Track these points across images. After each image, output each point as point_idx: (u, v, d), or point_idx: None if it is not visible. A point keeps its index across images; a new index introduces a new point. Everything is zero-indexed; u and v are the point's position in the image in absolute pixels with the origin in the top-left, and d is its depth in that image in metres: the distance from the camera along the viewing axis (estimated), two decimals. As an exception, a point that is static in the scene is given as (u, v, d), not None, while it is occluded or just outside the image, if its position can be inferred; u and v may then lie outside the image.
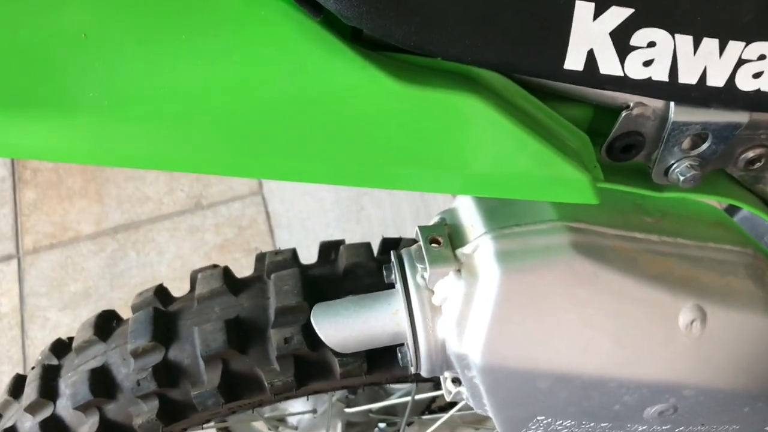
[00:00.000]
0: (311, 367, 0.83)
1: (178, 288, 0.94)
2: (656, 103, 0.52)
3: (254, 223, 2.12)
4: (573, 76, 0.48)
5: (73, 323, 1.95)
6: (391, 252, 0.67)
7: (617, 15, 0.44)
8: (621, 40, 0.46)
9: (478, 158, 0.51)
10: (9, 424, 0.87)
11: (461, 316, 0.59)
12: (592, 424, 0.68)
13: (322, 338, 0.66)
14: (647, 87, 0.49)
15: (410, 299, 0.63)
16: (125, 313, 0.90)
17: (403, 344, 0.67)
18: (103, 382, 0.83)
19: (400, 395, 1.24)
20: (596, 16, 0.44)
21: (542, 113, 0.52)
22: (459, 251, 0.61)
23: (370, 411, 1.23)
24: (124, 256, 2.08)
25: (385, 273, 0.67)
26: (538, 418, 0.66)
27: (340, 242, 0.93)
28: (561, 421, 0.67)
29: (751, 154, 0.56)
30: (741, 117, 0.52)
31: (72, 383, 0.84)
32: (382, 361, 0.83)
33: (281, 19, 0.43)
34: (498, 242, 0.58)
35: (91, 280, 2.05)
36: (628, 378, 0.61)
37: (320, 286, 0.86)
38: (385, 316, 0.66)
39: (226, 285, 0.86)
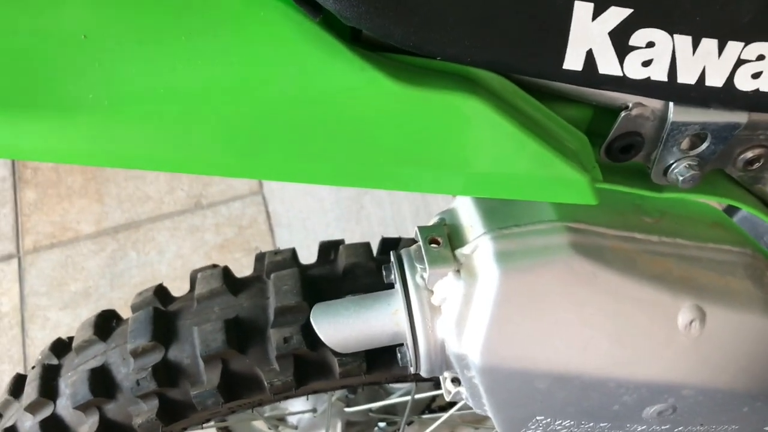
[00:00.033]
0: (310, 366, 0.83)
1: (179, 288, 0.94)
2: (655, 104, 0.52)
3: (254, 222, 2.12)
4: (572, 77, 0.48)
5: (74, 323, 1.95)
6: (391, 252, 0.67)
7: (616, 15, 0.44)
8: (620, 40, 0.46)
9: (477, 159, 0.51)
10: (9, 423, 0.87)
11: (460, 316, 0.59)
12: (592, 424, 0.68)
13: (322, 338, 0.66)
14: (646, 87, 0.49)
15: (410, 299, 0.63)
16: (125, 312, 0.90)
17: (402, 344, 0.67)
18: (102, 382, 0.83)
19: (399, 395, 1.24)
20: (595, 16, 0.44)
21: (541, 114, 0.52)
22: (458, 251, 0.61)
23: (369, 410, 1.23)
24: (125, 256, 2.08)
25: (384, 273, 0.67)
26: (538, 418, 0.67)
27: (340, 242, 0.93)
28: (560, 421, 0.67)
29: (750, 154, 0.57)
30: (740, 117, 0.52)
31: (72, 383, 0.84)
32: (381, 361, 0.84)
33: (280, 19, 0.43)
34: (497, 242, 0.58)
35: (92, 279, 2.05)
36: (627, 378, 0.62)
37: (319, 285, 0.86)
38: (385, 316, 0.66)
39: (225, 285, 0.86)
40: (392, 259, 0.66)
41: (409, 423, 1.32)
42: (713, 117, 0.52)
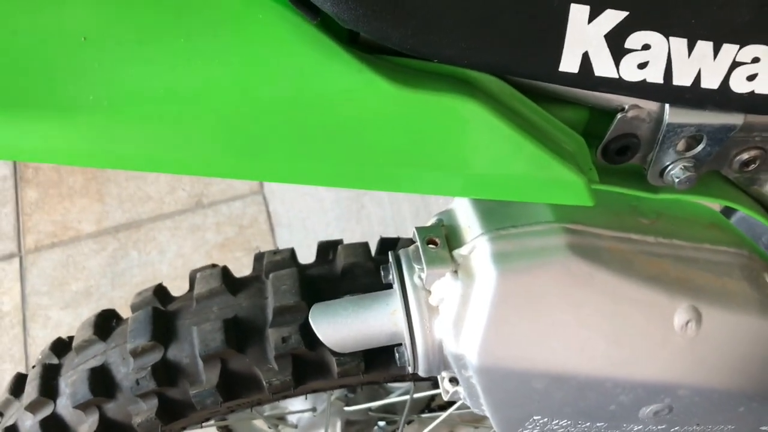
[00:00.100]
0: (309, 366, 0.83)
1: (179, 287, 0.94)
2: (651, 106, 0.52)
3: (255, 222, 2.12)
4: (568, 78, 0.48)
5: (75, 322, 1.96)
6: (389, 252, 0.67)
7: (612, 18, 0.45)
8: (616, 43, 0.46)
9: (474, 160, 0.51)
10: (10, 422, 0.87)
11: (458, 316, 0.60)
12: (588, 424, 0.68)
13: (320, 338, 0.66)
14: (642, 89, 0.49)
15: (407, 299, 0.63)
16: (126, 312, 0.91)
17: (400, 344, 0.67)
18: (102, 381, 0.83)
19: (399, 394, 1.24)
20: (591, 19, 0.45)
21: (538, 116, 0.53)
22: (456, 252, 0.61)
23: (369, 409, 1.23)
24: (126, 255, 2.09)
25: (382, 273, 0.67)
26: (535, 417, 0.67)
27: (338, 242, 0.93)
28: (557, 421, 0.67)
29: (745, 156, 0.57)
30: (735, 119, 0.52)
31: (72, 382, 0.84)
32: (379, 361, 0.84)
33: (278, 21, 0.44)
34: (494, 243, 0.59)
35: (93, 279, 2.05)
36: (624, 378, 0.62)
37: (318, 285, 0.86)
38: (383, 316, 0.66)
39: (224, 285, 0.86)
40: (390, 259, 0.66)
41: (409, 422, 1.32)
42: (709, 119, 0.52)
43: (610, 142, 0.54)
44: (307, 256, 0.95)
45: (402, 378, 0.89)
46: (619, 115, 0.52)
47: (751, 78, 0.49)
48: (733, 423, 0.69)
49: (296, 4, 0.43)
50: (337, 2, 0.42)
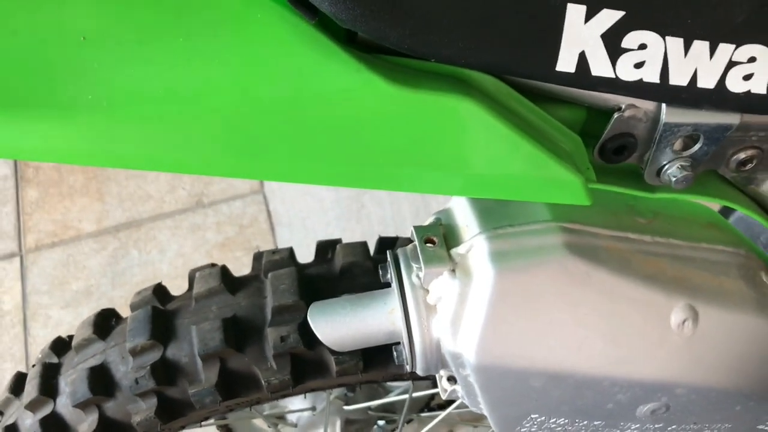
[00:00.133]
0: (308, 365, 0.83)
1: (180, 286, 0.94)
2: (648, 105, 0.52)
3: (255, 221, 2.12)
4: (565, 78, 0.48)
5: (75, 321, 1.96)
6: (387, 251, 0.67)
7: (608, 18, 0.45)
8: (612, 43, 0.46)
9: (471, 160, 0.51)
10: (10, 421, 0.87)
11: (456, 315, 0.60)
12: (586, 423, 0.68)
13: (319, 336, 0.67)
14: (638, 88, 0.49)
15: (405, 298, 0.63)
16: (127, 311, 0.91)
17: (398, 343, 0.68)
18: (102, 380, 0.83)
19: (398, 393, 1.25)
20: (588, 18, 0.45)
21: (535, 115, 0.53)
22: (453, 251, 0.61)
23: (369, 408, 1.23)
24: (126, 255, 2.09)
25: (380, 272, 0.68)
26: (532, 416, 0.67)
27: (337, 241, 0.94)
28: (555, 420, 0.67)
29: (742, 155, 0.57)
30: (732, 118, 0.53)
31: (71, 381, 0.84)
32: (377, 360, 0.84)
33: (277, 21, 0.44)
34: (492, 242, 0.59)
35: (93, 278, 2.06)
36: (621, 377, 0.62)
37: (317, 285, 0.86)
38: (381, 315, 0.66)
39: (223, 284, 0.86)
40: (388, 258, 0.66)
41: (408, 421, 1.32)
42: (705, 118, 0.52)
43: (607, 141, 0.54)
44: (307, 255, 0.95)
45: (401, 377, 0.89)
46: (615, 115, 0.52)
47: (747, 78, 0.49)
48: (730, 421, 0.69)
49: (294, 3, 0.43)
50: (335, 2, 0.42)
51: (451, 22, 0.44)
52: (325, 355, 0.83)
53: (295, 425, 1.26)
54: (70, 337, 0.93)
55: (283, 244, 2.04)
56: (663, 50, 0.47)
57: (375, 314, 0.66)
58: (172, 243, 2.10)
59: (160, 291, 0.92)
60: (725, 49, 0.47)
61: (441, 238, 0.62)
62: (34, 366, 0.92)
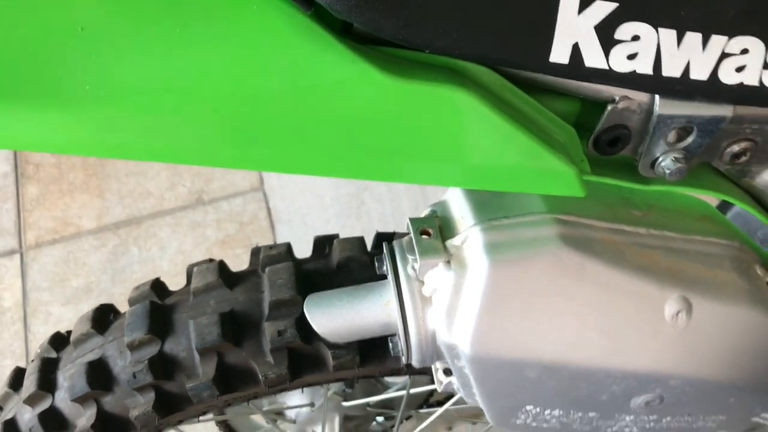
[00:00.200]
0: (305, 359, 0.83)
1: (179, 283, 0.94)
2: (641, 97, 0.52)
3: (255, 218, 2.13)
4: (559, 69, 0.48)
5: (75, 318, 1.95)
6: (383, 244, 0.68)
7: (602, 9, 0.45)
8: (605, 34, 0.46)
9: (466, 151, 0.51)
10: (9, 416, 0.87)
11: (450, 306, 0.60)
12: (581, 414, 0.68)
13: (315, 328, 0.67)
14: (632, 80, 0.49)
15: (401, 290, 0.63)
16: (126, 308, 0.91)
17: (394, 334, 0.68)
18: (100, 375, 0.83)
19: (397, 389, 1.25)
20: (581, 9, 0.45)
21: (529, 107, 0.53)
22: (449, 242, 0.61)
23: (367, 405, 1.23)
24: (126, 252, 2.09)
25: (377, 264, 0.68)
26: (527, 407, 0.67)
27: (334, 236, 0.94)
28: (550, 411, 0.68)
29: (736, 147, 0.57)
30: (725, 110, 0.53)
31: (70, 376, 0.84)
32: (374, 354, 0.84)
33: (273, 12, 0.44)
34: (487, 234, 0.59)
35: (93, 275, 2.06)
36: (615, 368, 0.62)
37: (314, 279, 0.86)
38: (377, 307, 0.66)
39: (221, 279, 0.86)
40: (384, 250, 0.66)
41: (407, 418, 1.33)
42: (699, 110, 0.52)
43: (601, 133, 0.55)
44: (307, 252, 0.95)
45: (398, 372, 0.89)
46: (609, 107, 0.53)
47: (739, 69, 0.49)
48: (724, 413, 0.69)
49: (290, -6, 0.44)
50: (330, -7, 0.43)
51: (445, 12, 0.45)
52: (322, 350, 0.83)
53: (294, 421, 1.26)
54: (69, 332, 0.94)
55: (282, 241, 2.04)
56: (656, 42, 0.47)
57: (371, 306, 0.67)
58: (172, 240, 2.10)
59: (158, 286, 0.92)
60: (718, 41, 0.47)
61: (436, 229, 0.62)
62: (32, 361, 0.92)
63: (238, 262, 0.90)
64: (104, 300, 1.85)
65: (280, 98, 0.47)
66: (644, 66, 0.48)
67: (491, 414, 0.68)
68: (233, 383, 0.83)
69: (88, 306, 1.96)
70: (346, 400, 1.21)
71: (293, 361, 0.82)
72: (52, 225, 2.14)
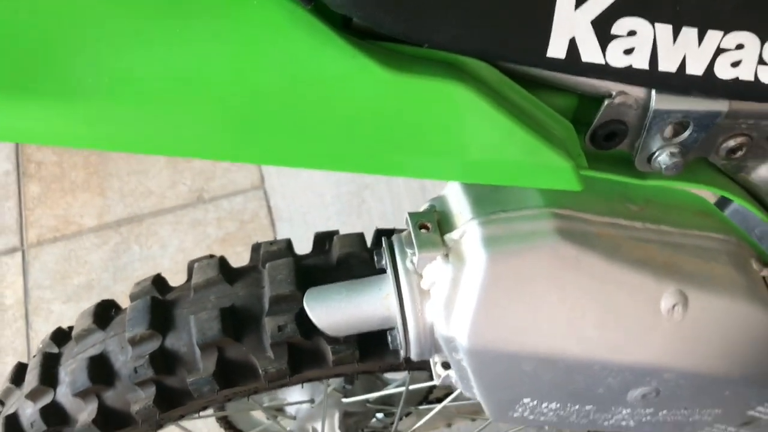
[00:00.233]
0: (305, 354, 0.83)
1: (180, 281, 0.95)
2: (638, 92, 0.53)
3: (256, 217, 2.13)
4: (556, 64, 0.49)
5: (77, 315, 1.96)
6: (382, 238, 0.68)
7: (599, 4, 0.45)
8: (602, 29, 0.47)
9: (464, 145, 0.51)
10: (11, 410, 0.87)
11: (449, 299, 0.60)
12: (577, 407, 0.68)
13: (314, 321, 0.67)
14: (628, 75, 0.50)
15: (400, 283, 0.64)
16: (127, 305, 0.91)
17: (393, 328, 0.68)
18: (101, 370, 0.84)
19: (396, 385, 1.25)
20: (578, 4, 0.45)
21: (527, 101, 0.53)
22: (447, 236, 0.61)
23: (367, 401, 1.24)
24: (127, 249, 2.10)
25: (376, 258, 0.68)
26: (524, 400, 0.67)
27: (334, 233, 0.94)
28: (547, 404, 0.68)
29: (732, 143, 0.57)
30: (721, 105, 0.53)
31: (71, 371, 0.85)
32: (374, 349, 0.84)
33: (273, 6, 0.44)
34: (485, 228, 0.59)
35: (95, 272, 2.06)
36: (611, 361, 0.62)
37: (314, 275, 0.86)
38: (376, 301, 0.67)
39: (221, 274, 0.87)
40: (383, 244, 0.67)
41: (407, 414, 1.33)
42: (695, 105, 0.53)
43: (598, 128, 0.55)
44: (307, 250, 0.95)
45: (397, 367, 0.90)
46: (606, 102, 0.53)
47: (735, 64, 0.49)
48: (719, 406, 0.69)
49: (290, -12, 0.44)
50: (330, -12, 0.43)
51: (444, 7, 0.45)
52: (321, 345, 0.83)
53: (294, 417, 1.26)
54: (71, 327, 0.94)
55: (283, 240, 2.04)
56: (652, 37, 0.47)
57: (370, 299, 0.67)
58: (173, 238, 2.10)
59: (159, 282, 0.93)
60: (713, 36, 0.48)
61: (435, 223, 0.62)
62: (34, 356, 0.92)
63: (239, 260, 0.91)
64: (105, 297, 1.85)
65: (280, 92, 0.47)
66: (640, 61, 0.49)
67: (489, 407, 0.69)
68: (234, 378, 0.83)
69: (89, 304, 1.96)
70: (345, 396, 1.21)
71: (293, 356, 0.82)
72: (54, 223, 2.15)
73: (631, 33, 0.47)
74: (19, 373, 0.92)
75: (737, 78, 0.50)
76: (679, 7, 0.46)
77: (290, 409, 1.27)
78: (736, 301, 0.62)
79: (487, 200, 0.61)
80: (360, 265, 0.87)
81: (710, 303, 0.61)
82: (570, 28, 0.46)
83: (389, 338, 0.69)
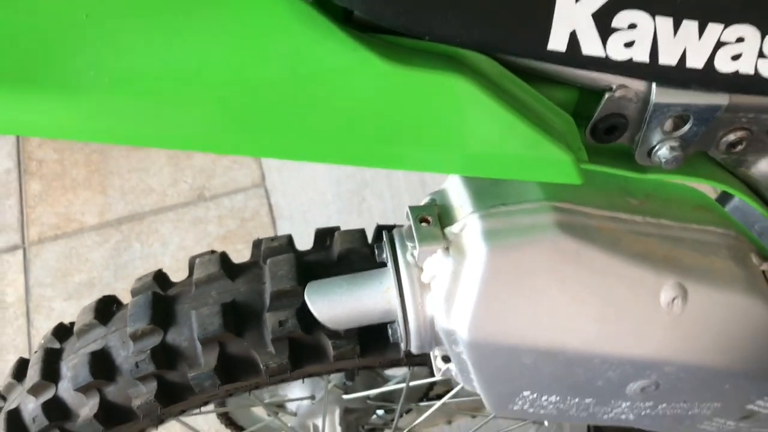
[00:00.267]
0: (305, 349, 0.83)
1: (181, 279, 0.95)
2: (638, 85, 0.53)
3: (257, 215, 2.13)
4: (556, 57, 0.49)
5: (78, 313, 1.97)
6: (383, 232, 0.68)
7: None
8: (603, 22, 0.47)
9: (465, 138, 0.51)
10: (13, 405, 0.88)
11: (449, 292, 0.60)
12: (577, 400, 0.68)
13: (315, 315, 0.67)
14: (629, 68, 0.50)
15: (400, 277, 0.64)
16: (128, 301, 0.91)
17: (394, 321, 0.68)
18: (103, 365, 0.84)
19: (396, 382, 1.25)
20: None
21: (528, 95, 0.53)
22: (447, 230, 0.61)
23: (367, 398, 1.24)
24: (128, 247, 2.10)
25: (376, 252, 0.68)
26: (524, 393, 0.67)
27: (335, 229, 0.94)
28: (546, 397, 0.68)
29: (732, 137, 0.57)
30: (721, 99, 0.53)
31: (73, 366, 0.85)
32: (374, 344, 0.84)
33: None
34: (485, 221, 0.59)
35: (96, 270, 2.07)
36: (611, 354, 0.62)
37: (314, 271, 0.86)
38: (377, 294, 0.67)
39: (223, 270, 0.87)
40: (384, 238, 0.67)
41: (407, 410, 1.33)
42: (695, 99, 0.53)
43: (598, 121, 0.55)
44: (308, 247, 0.95)
45: (398, 362, 0.90)
46: (606, 95, 0.53)
47: (735, 58, 0.49)
48: (719, 400, 0.69)
49: (291, -18, 0.44)
50: (331, -19, 0.43)
51: (445, 0, 0.45)
52: (322, 340, 0.83)
53: (295, 414, 1.26)
54: (72, 323, 0.94)
55: (284, 238, 2.04)
56: (652, 30, 0.47)
57: (371, 293, 0.67)
58: (174, 236, 2.11)
59: (160, 277, 0.93)
60: (714, 29, 0.48)
61: (435, 217, 0.62)
62: (36, 352, 0.92)
63: (240, 258, 0.91)
64: (106, 295, 1.85)
65: (281, 85, 0.47)
66: (641, 54, 0.49)
67: (489, 400, 0.69)
68: (235, 373, 0.83)
69: (91, 301, 1.97)
70: (346, 392, 1.21)
71: (294, 351, 0.82)
72: (55, 221, 2.15)
73: (632, 26, 0.47)
74: (20, 369, 0.93)
75: (737, 71, 0.50)
76: (680, 0, 0.46)
77: (291, 406, 1.27)
78: (736, 295, 0.62)
79: (488, 194, 0.61)
80: (361, 260, 0.87)
81: (710, 296, 0.61)
82: (571, 21, 0.47)
83: (390, 331, 0.69)
